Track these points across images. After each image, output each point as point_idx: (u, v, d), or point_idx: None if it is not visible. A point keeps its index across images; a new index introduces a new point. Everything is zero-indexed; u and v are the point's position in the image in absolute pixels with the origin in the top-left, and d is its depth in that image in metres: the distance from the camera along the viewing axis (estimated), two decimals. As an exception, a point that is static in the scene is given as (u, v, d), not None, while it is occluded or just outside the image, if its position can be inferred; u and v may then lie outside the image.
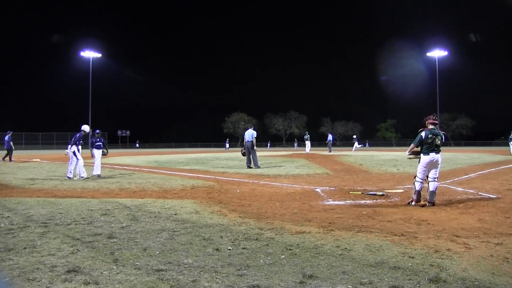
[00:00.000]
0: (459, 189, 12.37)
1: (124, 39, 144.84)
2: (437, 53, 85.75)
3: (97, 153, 17.07)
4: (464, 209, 9.06)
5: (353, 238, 6.30)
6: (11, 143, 28.53)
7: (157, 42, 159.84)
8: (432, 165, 9.76)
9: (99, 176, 16.74)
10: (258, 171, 19.60)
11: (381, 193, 11.36)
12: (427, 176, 9.82)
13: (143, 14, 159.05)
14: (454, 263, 5.02)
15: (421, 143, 9.78)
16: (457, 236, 6.39)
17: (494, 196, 10.82)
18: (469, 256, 5.32)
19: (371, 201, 10.26)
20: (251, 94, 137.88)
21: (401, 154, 37.98)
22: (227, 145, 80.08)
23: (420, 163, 9.85)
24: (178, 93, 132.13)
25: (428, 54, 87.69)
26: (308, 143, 43.20)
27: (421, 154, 9.84)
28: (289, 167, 22.11)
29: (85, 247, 5.78)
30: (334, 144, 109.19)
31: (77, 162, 16.21)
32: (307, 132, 45.90)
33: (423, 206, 9.38)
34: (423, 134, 9.78)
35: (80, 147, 16.60)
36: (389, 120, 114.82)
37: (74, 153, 16.33)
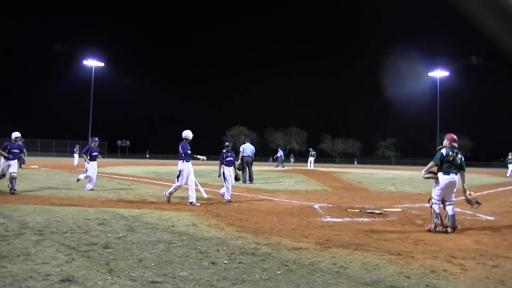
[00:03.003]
0: (457, 209, 12.29)
1: (126, 49, 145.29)
2: (439, 73, 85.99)
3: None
4: (461, 230, 9.02)
5: (350, 256, 6.27)
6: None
7: (159, 53, 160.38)
8: (450, 187, 8.99)
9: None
10: (257, 185, 19.58)
11: (379, 211, 11.33)
12: (443, 200, 9.15)
13: (146, 25, 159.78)
14: (450, 284, 5.00)
15: (442, 161, 9.03)
16: (454, 257, 6.37)
17: (492, 218, 10.79)
18: (465, 277, 5.30)
19: (369, 219, 10.24)
20: (252, 108, 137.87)
21: (399, 173, 37.96)
22: None
23: (439, 184, 9.07)
24: (179, 104, 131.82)
25: (430, 74, 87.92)
26: (311, 159, 43.19)
27: (440, 174, 9.06)
28: (287, 183, 22.10)
29: (80, 256, 5.75)
30: (333, 160, 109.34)
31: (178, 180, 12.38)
32: (311, 149, 46.01)
33: (446, 232, 8.67)
34: (443, 151, 9.07)
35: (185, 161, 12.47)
36: (389, 138, 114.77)
37: (180, 172, 12.43)
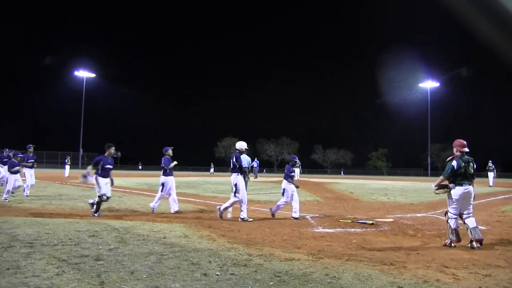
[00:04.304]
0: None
1: (117, 60, 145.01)
2: (429, 84, 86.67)
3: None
4: (453, 240, 9.03)
5: (342, 267, 6.26)
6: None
7: (150, 64, 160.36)
8: (465, 198, 8.44)
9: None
10: (249, 196, 19.45)
11: (371, 221, 11.33)
12: (460, 213, 8.54)
13: (137, 36, 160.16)
14: (443, 294, 4.99)
15: (454, 174, 8.46)
16: (446, 267, 6.38)
17: (483, 228, 10.81)
18: (458, 287, 5.31)
19: (361, 230, 10.24)
20: (243, 119, 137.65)
21: (391, 183, 38.01)
22: (212, 170, 77.85)
23: (452, 196, 8.46)
24: (170, 115, 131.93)
25: (421, 84, 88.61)
26: (297, 170, 43.24)
27: (453, 186, 8.45)
28: (279, 194, 22.03)
29: (71, 268, 5.71)
30: (325, 171, 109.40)
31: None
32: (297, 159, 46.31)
33: (472, 248, 8.05)
34: (454, 163, 8.44)
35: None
36: (381, 149, 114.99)
37: (236, 185, 11.85)
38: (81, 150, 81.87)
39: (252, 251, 7.24)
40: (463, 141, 8.66)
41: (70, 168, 40.00)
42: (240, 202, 11.69)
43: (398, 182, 41.37)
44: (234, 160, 12.19)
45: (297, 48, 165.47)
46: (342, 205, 16.70)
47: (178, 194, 15.13)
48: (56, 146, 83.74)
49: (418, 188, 29.64)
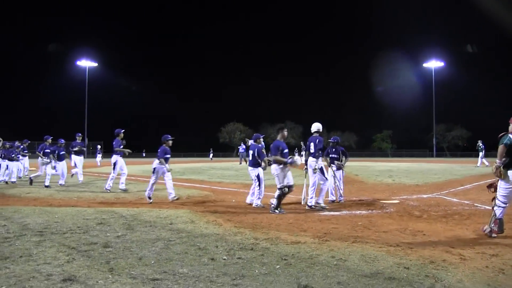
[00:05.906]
0: (455, 200, 12.38)
1: (119, 48, 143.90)
2: (433, 64, 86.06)
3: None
4: (459, 220, 9.07)
5: (348, 249, 6.30)
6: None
7: (152, 51, 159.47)
8: None
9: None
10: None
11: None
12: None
13: (139, 24, 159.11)
14: (449, 274, 5.02)
15: (509, 152, 7.39)
16: (453, 247, 6.40)
17: (490, 208, 10.81)
18: (465, 267, 5.33)
19: (367, 212, 10.27)
20: (246, 104, 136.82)
21: (396, 164, 37.93)
22: (211, 155, 76.92)
23: (504, 182, 7.47)
24: (173, 101, 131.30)
25: (425, 65, 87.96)
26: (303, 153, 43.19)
27: (510, 172, 7.40)
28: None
29: (81, 256, 5.77)
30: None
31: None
32: (302, 143, 46.37)
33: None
34: (510, 136, 7.42)
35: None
36: (385, 130, 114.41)
37: (322, 169, 11.42)
38: (86, 140, 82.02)
39: (258, 235, 7.28)
40: None
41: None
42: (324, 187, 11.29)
43: (403, 164, 41.36)
44: (316, 142, 11.52)
45: (301, 34, 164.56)
46: (347, 187, 16.68)
47: (183, 180, 15.16)
48: (61, 136, 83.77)
49: (424, 169, 29.63)
